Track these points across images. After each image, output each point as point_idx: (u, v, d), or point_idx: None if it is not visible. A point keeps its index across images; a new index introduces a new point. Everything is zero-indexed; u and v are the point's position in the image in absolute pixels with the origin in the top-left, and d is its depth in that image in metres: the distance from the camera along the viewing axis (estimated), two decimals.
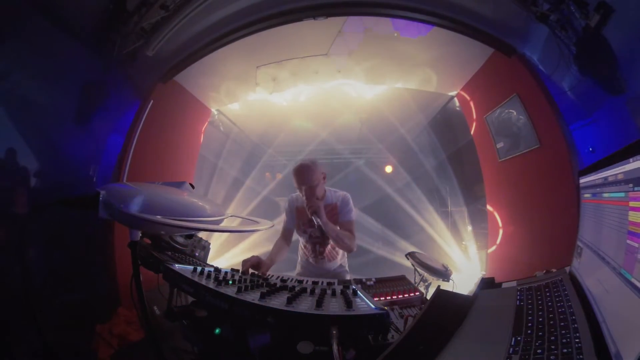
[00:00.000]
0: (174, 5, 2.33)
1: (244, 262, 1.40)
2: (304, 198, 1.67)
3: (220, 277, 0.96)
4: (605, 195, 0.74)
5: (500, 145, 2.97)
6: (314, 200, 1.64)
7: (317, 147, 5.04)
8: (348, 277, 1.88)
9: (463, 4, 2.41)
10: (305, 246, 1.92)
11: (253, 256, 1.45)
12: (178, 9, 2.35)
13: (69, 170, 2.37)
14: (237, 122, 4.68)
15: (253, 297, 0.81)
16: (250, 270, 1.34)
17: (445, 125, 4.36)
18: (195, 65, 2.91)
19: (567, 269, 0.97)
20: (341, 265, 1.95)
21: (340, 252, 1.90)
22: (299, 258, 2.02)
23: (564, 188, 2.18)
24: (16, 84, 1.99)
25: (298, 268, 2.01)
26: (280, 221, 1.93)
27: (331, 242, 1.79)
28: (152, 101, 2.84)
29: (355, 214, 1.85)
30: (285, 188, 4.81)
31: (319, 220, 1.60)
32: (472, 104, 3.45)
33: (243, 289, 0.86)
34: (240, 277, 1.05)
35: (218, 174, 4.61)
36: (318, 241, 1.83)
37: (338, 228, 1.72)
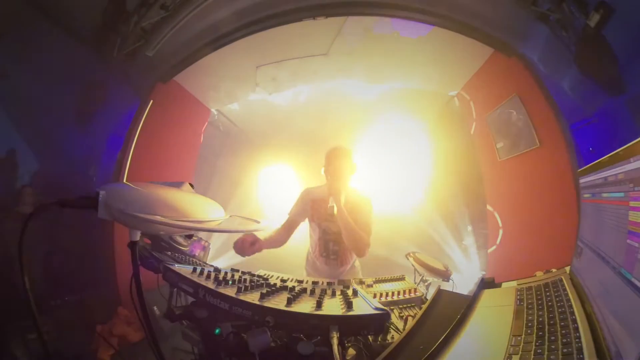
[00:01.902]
0: (174, 6, 2.33)
1: (240, 243, 1.36)
2: (330, 180, 1.60)
3: (220, 277, 0.95)
4: (605, 195, 0.74)
5: (500, 145, 2.97)
6: (338, 183, 1.58)
7: (317, 147, 5.03)
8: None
9: (463, 4, 2.41)
10: (316, 245, 1.76)
11: (248, 234, 1.38)
12: (178, 9, 2.35)
13: (69, 170, 2.37)
14: (237, 122, 4.67)
15: (253, 297, 0.81)
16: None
17: (445, 125, 4.35)
18: (195, 65, 2.91)
19: (567, 268, 0.97)
20: (353, 266, 1.82)
21: (352, 254, 1.76)
22: (306, 262, 1.88)
23: (564, 188, 2.18)
24: (16, 83, 1.99)
25: (305, 274, 1.87)
26: (281, 221, 1.90)
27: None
28: (152, 101, 2.84)
29: (373, 220, 1.70)
30: None
31: (332, 207, 1.51)
32: (472, 104, 3.45)
33: (243, 289, 0.86)
34: (240, 277, 1.05)
35: (218, 174, 4.61)
36: (332, 238, 1.69)
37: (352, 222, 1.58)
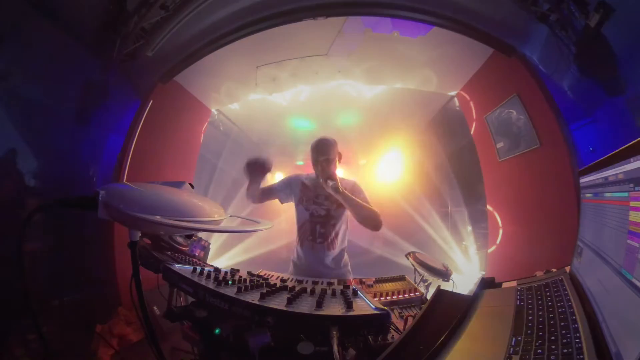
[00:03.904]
0: (174, 6, 2.33)
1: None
2: (320, 170, 1.65)
3: (220, 277, 0.95)
4: (606, 195, 0.74)
5: (500, 145, 2.97)
6: (329, 169, 1.64)
7: None
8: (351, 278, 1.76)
9: (463, 4, 2.41)
10: (301, 229, 1.77)
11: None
12: (178, 9, 2.35)
13: (69, 170, 2.37)
14: (237, 122, 4.68)
15: (253, 297, 0.81)
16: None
17: (445, 125, 4.35)
18: (195, 65, 2.92)
19: (567, 268, 0.97)
20: (345, 265, 1.83)
21: (339, 239, 1.77)
22: (295, 253, 1.85)
23: (564, 188, 2.18)
24: (16, 84, 1.99)
25: (291, 267, 1.84)
26: (280, 221, 1.91)
27: (335, 225, 1.70)
28: (152, 101, 2.84)
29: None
30: None
31: (334, 183, 1.54)
32: (472, 104, 3.45)
33: (243, 289, 0.86)
34: (240, 277, 1.05)
35: (218, 174, 4.61)
36: (319, 221, 1.72)
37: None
